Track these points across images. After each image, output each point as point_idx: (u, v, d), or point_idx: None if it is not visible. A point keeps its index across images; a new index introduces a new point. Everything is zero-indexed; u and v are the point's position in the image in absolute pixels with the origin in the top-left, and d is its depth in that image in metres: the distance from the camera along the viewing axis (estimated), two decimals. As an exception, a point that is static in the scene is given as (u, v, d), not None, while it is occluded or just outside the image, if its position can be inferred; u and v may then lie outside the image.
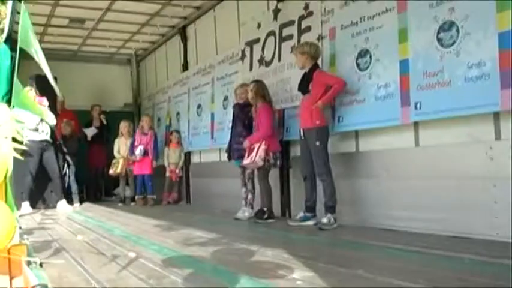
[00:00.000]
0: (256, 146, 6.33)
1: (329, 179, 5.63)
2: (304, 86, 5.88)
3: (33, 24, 9.98)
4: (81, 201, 10.00)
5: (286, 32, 6.83)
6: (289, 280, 3.00)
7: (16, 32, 10.49)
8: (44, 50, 10.87)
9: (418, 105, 4.84)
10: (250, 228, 6.13)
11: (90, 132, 11.25)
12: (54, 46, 11.66)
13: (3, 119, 4.33)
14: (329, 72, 5.93)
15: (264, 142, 6.31)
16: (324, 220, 5.54)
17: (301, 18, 6.53)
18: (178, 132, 10.20)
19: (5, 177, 3.54)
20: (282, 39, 6.90)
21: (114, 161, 10.33)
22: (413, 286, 2.73)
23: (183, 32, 10.26)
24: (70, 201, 9.45)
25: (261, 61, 7.38)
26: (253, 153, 6.32)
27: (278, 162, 6.47)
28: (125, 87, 13.34)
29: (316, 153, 5.71)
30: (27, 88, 8.55)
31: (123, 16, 9.69)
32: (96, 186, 11.74)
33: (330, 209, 5.57)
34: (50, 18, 9.81)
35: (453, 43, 4.52)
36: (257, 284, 2.93)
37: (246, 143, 6.49)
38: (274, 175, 6.97)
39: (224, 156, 8.61)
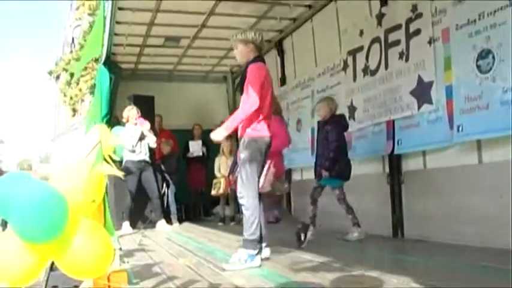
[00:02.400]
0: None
1: (249, 202, 4.58)
2: (242, 84, 4.82)
3: (131, 45, 10.14)
4: (179, 221, 9.89)
5: (392, 37, 6.32)
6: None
7: (114, 54, 10.55)
8: (140, 70, 11.03)
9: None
10: (361, 251, 5.64)
11: (195, 146, 11.07)
12: (150, 66, 11.78)
13: (103, 139, 4.15)
14: (258, 77, 4.66)
15: (272, 163, 5.04)
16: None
17: (409, 21, 6.00)
18: (277, 149, 9.86)
19: (104, 199, 3.34)
20: (388, 45, 6.39)
21: (215, 181, 10.00)
22: None
23: (279, 46, 9.97)
24: (169, 221, 9.36)
25: (366, 70, 6.89)
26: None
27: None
28: (221, 104, 13.15)
29: (239, 168, 4.76)
30: (130, 107, 8.61)
31: (218, 32, 9.51)
32: (195, 205, 11.61)
33: (246, 242, 4.56)
34: (146, 39, 9.83)
35: None
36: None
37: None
38: (384, 191, 6.46)
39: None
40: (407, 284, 3.36)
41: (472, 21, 5.10)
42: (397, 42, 6.23)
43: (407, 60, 6.04)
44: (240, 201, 4.68)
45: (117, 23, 8.40)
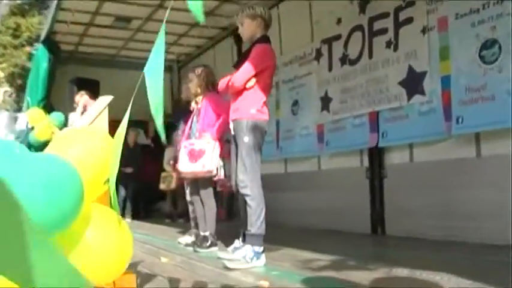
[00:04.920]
0: (208, 147, 4.92)
1: (255, 192, 4.08)
2: (240, 62, 4.34)
3: (75, 23, 9.32)
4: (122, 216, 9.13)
5: (378, 25, 6.06)
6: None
7: (55, 33, 9.65)
8: (80, 53, 10.11)
9: None
10: (354, 246, 5.27)
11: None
12: (92, 50, 11.03)
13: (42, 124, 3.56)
14: (261, 62, 4.17)
15: (218, 144, 4.98)
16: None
17: (399, 9, 5.77)
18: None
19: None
20: (373, 33, 6.13)
21: (164, 174, 9.33)
22: None
23: (237, 34, 9.48)
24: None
25: (344, 59, 6.59)
26: (204, 158, 4.91)
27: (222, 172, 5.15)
28: (165, 95, 12.50)
29: (241, 154, 4.17)
30: (81, 92, 7.89)
31: (173, 14, 8.96)
32: (136, 201, 10.51)
33: (252, 238, 4.06)
34: (94, 16, 9.08)
35: None
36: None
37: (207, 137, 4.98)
38: (363, 186, 6.19)
39: (291, 168, 7.88)
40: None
41: (475, 11, 4.91)
42: (383, 31, 5.97)
43: (395, 49, 5.79)
44: (243, 191, 4.10)
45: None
